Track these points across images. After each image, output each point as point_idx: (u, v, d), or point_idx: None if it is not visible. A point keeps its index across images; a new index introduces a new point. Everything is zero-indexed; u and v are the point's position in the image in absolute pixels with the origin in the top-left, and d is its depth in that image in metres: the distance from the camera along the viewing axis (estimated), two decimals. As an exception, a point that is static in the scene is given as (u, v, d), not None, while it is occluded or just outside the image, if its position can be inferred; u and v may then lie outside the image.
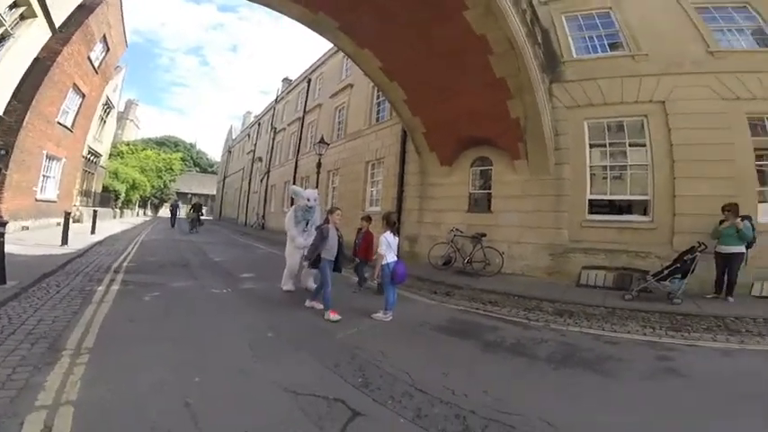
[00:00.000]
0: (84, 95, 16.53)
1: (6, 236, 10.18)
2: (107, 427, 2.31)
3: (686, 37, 8.43)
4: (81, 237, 12.12)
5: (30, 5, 9.46)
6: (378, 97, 15.32)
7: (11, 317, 4.16)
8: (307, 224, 6.70)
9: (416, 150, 11.45)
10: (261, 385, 2.97)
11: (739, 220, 6.52)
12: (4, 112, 10.48)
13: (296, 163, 22.51)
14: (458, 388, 3.05)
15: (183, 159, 51.86)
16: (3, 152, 11.34)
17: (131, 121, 59.79)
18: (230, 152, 46.56)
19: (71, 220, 13.45)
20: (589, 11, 9.72)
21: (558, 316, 5.85)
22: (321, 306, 5.23)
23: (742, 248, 6.56)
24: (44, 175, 14.76)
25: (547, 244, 8.97)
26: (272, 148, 28.06)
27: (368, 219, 7.54)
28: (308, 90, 23.03)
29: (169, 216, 26.23)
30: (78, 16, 13.59)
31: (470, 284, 7.82)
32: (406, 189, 12.45)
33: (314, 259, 5.31)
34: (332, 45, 17.87)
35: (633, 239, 8.13)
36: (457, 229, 10.22)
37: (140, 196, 34.66)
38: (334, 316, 4.97)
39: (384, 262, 5.24)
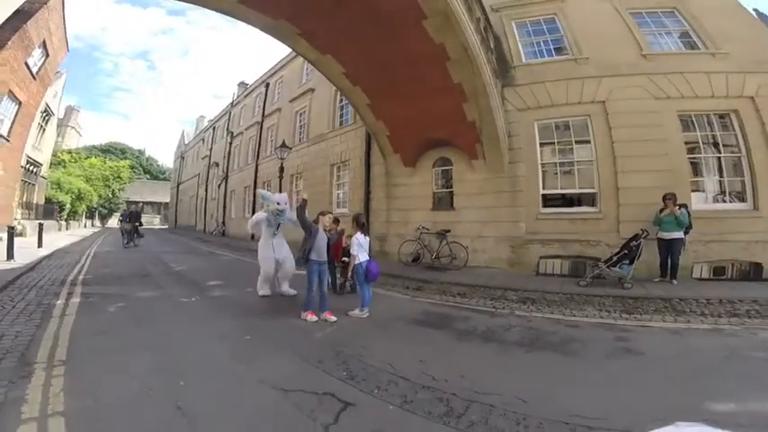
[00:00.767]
0: (20, 102, 15.56)
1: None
2: None
3: (622, 41, 9.21)
4: (27, 251, 11.30)
5: None
6: (341, 101, 15.39)
7: None
8: (278, 228, 6.71)
9: (381, 152, 11.67)
10: (248, 385, 3.02)
11: (677, 208, 7.23)
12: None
13: (256, 167, 22.05)
14: (437, 374, 3.25)
15: (131, 167, 49.15)
16: None
17: (72, 128, 55.86)
18: (183, 158, 44.63)
19: (15, 235, 12.49)
20: (536, 17, 10.37)
21: (521, 303, 6.24)
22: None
23: (681, 234, 7.26)
24: (-21, 189, 13.70)
25: (506, 237, 9.47)
26: (230, 152, 27.26)
27: (335, 221, 7.61)
28: (266, 94, 22.65)
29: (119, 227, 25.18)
30: (15, 21, 12.70)
31: (439, 279, 8.12)
32: (372, 190, 12.64)
33: (305, 258, 5.22)
34: (291, 50, 17.81)
35: (584, 229, 8.75)
36: (423, 227, 10.54)
37: (87, 207, 32.53)
38: (311, 317, 5.03)
39: (357, 262, 5.39)
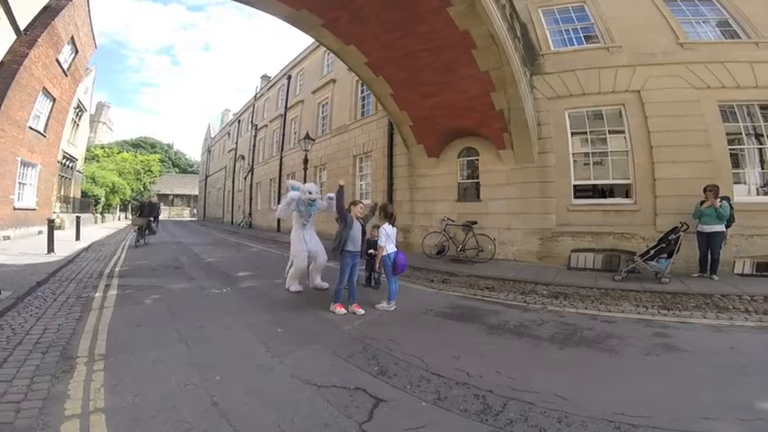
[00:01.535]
0: (54, 99, 16.03)
1: (-6, 246, 9.87)
2: None
3: (657, 29, 8.78)
4: (66, 244, 11.84)
5: None
6: (362, 92, 15.34)
7: (14, 327, 4.11)
8: (309, 218, 6.54)
9: (404, 143, 11.55)
10: (281, 380, 3.04)
11: (718, 200, 6.85)
12: (-28, 119, 10.09)
13: (281, 159, 22.30)
14: (471, 370, 3.19)
15: (161, 160, 50.67)
16: None
17: (104, 123, 58.03)
18: (210, 151, 45.67)
19: (55, 228, 13.09)
20: (564, 4, 10.01)
21: (553, 298, 6.06)
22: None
23: (722, 227, 6.90)
24: (20, 183, 14.31)
25: (536, 229, 9.24)
26: (255, 145, 27.70)
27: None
28: (288, 86, 22.78)
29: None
30: (44, 18, 13.13)
31: (465, 271, 8.02)
32: (395, 181, 12.57)
33: (339, 249, 5.11)
34: (312, 41, 17.79)
35: (618, 221, 8.45)
36: (448, 218, 10.41)
37: (120, 200, 33.80)
38: (339, 310, 5.03)
39: (384, 253, 5.34)
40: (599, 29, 9.40)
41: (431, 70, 8.43)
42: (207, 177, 45.93)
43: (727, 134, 8.04)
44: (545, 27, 9.98)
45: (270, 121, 25.43)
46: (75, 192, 23.40)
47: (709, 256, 7.02)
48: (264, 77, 29.98)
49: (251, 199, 27.25)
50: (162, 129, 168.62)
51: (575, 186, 9.13)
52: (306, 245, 6.33)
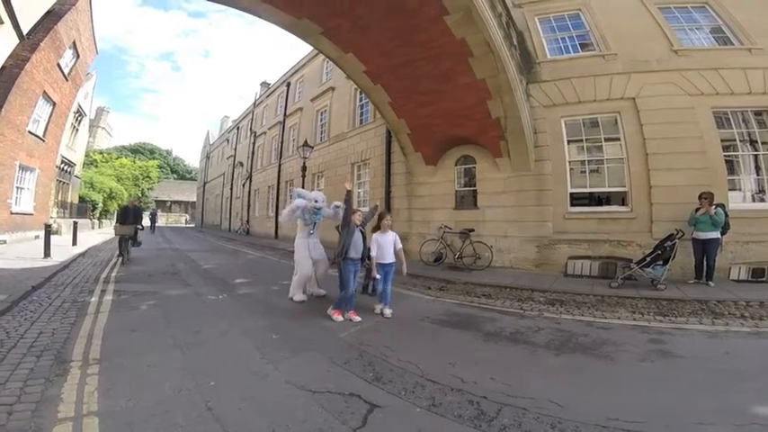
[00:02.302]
0: (54, 103, 16.06)
1: (-10, 250, 9.81)
2: None
3: (651, 36, 8.88)
4: (63, 249, 11.80)
5: None
6: (360, 100, 15.44)
7: (8, 331, 4.11)
8: (314, 226, 6.51)
9: (402, 151, 11.61)
10: (276, 385, 3.03)
11: (713, 207, 6.90)
12: (-28, 123, 10.10)
13: (279, 166, 22.32)
14: (466, 376, 3.19)
15: (159, 166, 50.64)
16: None
17: (103, 128, 58.02)
18: (209, 158, 45.70)
19: (52, 232, 13.04)
20: (560, 12, 10.10)
21: (550, 305, 6.07)
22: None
23: (717, 234, 6.94)
24: (18, 187, 14.29)
25: (532, 237, 9.27)
26: (253, 152, 27.74)
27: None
28: (287, 93, 22.90)
29: (149, 224, 27.56)
30: (47, 22, 13.19)
31: (463, 279, 8.02)
32: (393, 189, 12.61)
33: (342, 256, 5.12)
34: (311, 48, 17.90)
35: (614, 229, 8.48)
36: (446, 226, 10.43)
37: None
38: (337, 317, 5.01)
39: (380, 261, 5.34)
40: (594, 36, 9.50)
41: (428, 79, 8.52)
42: (205, 184, 45.93)
43: (722, 141, 8.11)
44: (541, 35, 10.08)
45: (269, 128, 25.51)
46: (72, 197, 23.34)
47: (705, 263, 7.05)
48: (264, 84, 30.16)
49: (249, 206, 27.24)
50: (161, 135, 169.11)
51: (571, 194, 9.17)
52: (309, 252, 6.30)
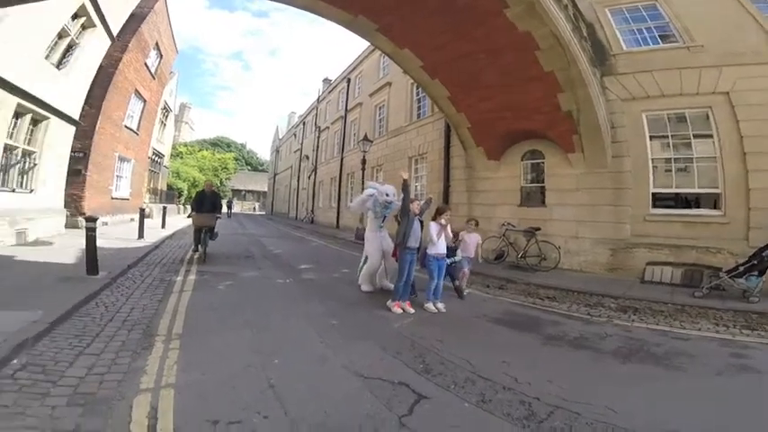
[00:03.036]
0: (145, 100, 17.77)
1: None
2: (205, 409, 2.45)
3: (743, 27, 7.88)
4: (153, 231, 13.13)
5: (88, 15, 10.12)
6: (417, 94, 15.41)
7: (107, 305, 4.57)
8: (384, 219, 6.50)
9: (462, 145, 11.40)
10: (332, 369, 3.19)
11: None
12: (80, 118, 11.52)
13: (341, 160, 23.08)
14: (520, 376, 3.11)
15: (235, 159, 54.60)
16: (81, 154, 12.52)
17: (186, 123, 63.61)
18: (278, 151, 48.40)
19: (146, 216, 14.63)
20: (634, 3, 9.25)
21: (621, 312, 5.67)
22: (413, 310, 5.09)
23: (826, 245, 5.99)
24: (117, 176, 16.10)
25: (607, 239, 8.67)
26: (318, 146, 28.91)
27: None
28: (347, 89, 23.55)
29: (226, 210, 30.53)
30: (131, 25, 14.45)
31: (525, 279, 7.76)
32: (452, 183, 12.45)
33: (402, 244, 5.21)
34: (367, 45, 18.21)
35: (703, 234, 7.67)
36: (509, 223, 10.09)
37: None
38: (396, 309, 5.07)
39: (432, 252, 5.34)
40: (675, 27, 8.62)
41: (490, 72, 8.28)
42: (275, 175, 48.75)
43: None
44: (614, 26, 9.31)
45: (331, 123, 26.43)
46: (161, 185, 25.94)
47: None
48: (326, 81, 31.13)
49: (314, 196, 28.52)
50: (236, 129, 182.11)
51: (653, 194, 8.42)
52: (380, 245, 6.32)
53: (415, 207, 5.38)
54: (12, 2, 6.41)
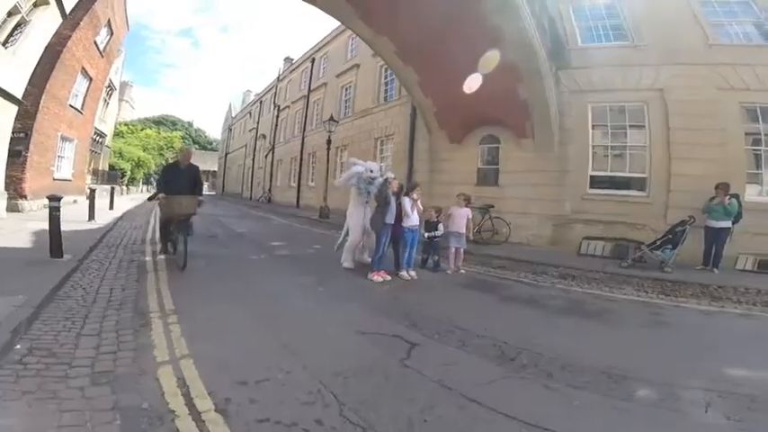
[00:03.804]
0: (91, 78, 16.60)
1: (35, 213, 10.67)
2: (230, 373, 2.59)
3: (687, 29, 8.80)
4: (102, 213, 12.47)
5: None
6: (386, 77, 15.72)
7: (84, 287, 4.44)
8: (368, 195, 6.59)
9: (427, 128, 11.99)
10: (332, 328, 3.65)
11: (727, 197, 7.16)
12: (22, 97, 10.74)
13: (302, 139, 22.93)
14: (489, 327, 3.78)
15: (182, 138, 51.72)
16: (22, 135, 11.65)
17: (126, 102, 58.87)
18: (231, 130, 46.57)
19: (86, 198, 13.85)
20: (595, 1, 10.06)
21: (562, 279, 6.59)
22: (389, 277, 5.61)
23: (728, 223, 7.22)
24: (59, 156, 14.99)
25: (550, 215, 9.70)
26: (277, 125, 28.35)
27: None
28: (311, 69, 23.23)
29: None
30: (86, 2, 13.56)
31: (481, 251, 8.58)
32: (416, 164, 13.08)
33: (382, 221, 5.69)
34: (336, 26, 18.16)
35: (630, 212, 8.83)
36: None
37: (144, 174, 34.97)
38: (376, 278, 5.58)
39: (406, 225, 5.94)
40: (628, 26, 9.51)
41: (459, 62, 8.80)
42: (227, 154, 46.97)
43: (747, 134, 8.23)
44: (574, 22, 10.08)
45: (292, 102, 26.01)
46: (103, 165, 24.41)
47: (714, 251, 7.34)
48: (287, 59, 30.35)
49: (271, 176, 28.10)
50: (182, 107, 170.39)
51: (592, 177, 9.48)
52: (362, 221, 6.49)
53: (393, 185, 5.91)
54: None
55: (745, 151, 8.23)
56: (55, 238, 5.62)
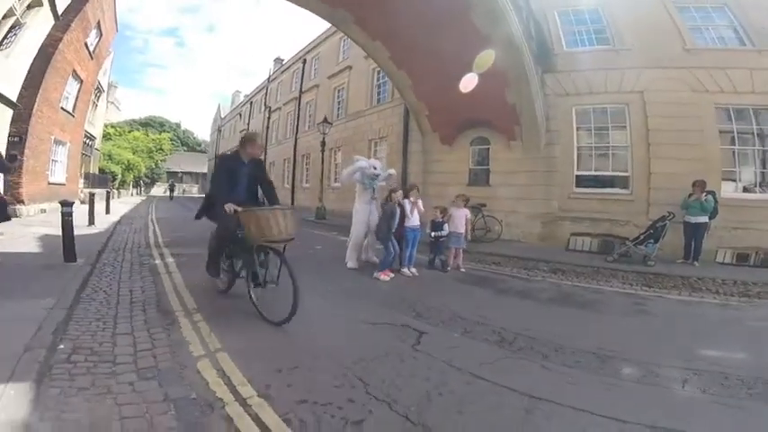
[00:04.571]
0: (82, 81, 16.56)
1: (33, 218, 10.72)
2: (263, 363, 2.83)
3: (666, 35, 9.36)
4: (100, 217, 12.49)
5: None
6: (378, 79, 16.05)
7: (104, 289, 4.59)
8: (373, 191, 6.78)
9: (420, 130, 12.41)
10: (346, 321, 3.98)
11: (704, 194, 7.68)
12: (17, 100, 10.77)
13: (295, 141, 23.14)
14: (488, 316, 4.19)
15: (170, 139, 51.32)
16: (17, 139, 11.67)
17: (112, 103, 58.03)
18: (220, 131, 46.37)
19: (79, 202, 13.90)
20: (580, 7, 10.58)
21: (552, 273, 7.04)
22: (393, 275, 5.92)
23: (705, 219, 7.74)
24: (53, 160, 14.97)
25: (539, 213, 10.19)
26: (268, 126, 28.43)
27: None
28: (303, 70, 23.42)
29: (163, 194, 30.61)
30: (77, 3, 13.57)
31: (474, 249, 8.91)
32: (409, 166, 13.47)
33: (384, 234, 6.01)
34: (327, 27, 18.39)
35: (615, 209, 9.38)
36: (459, 200, 11.32)
37: (134, 176, 34.74)
38: (383, 277, 5.88)
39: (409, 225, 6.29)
40: (611, 31, 10.04)
41: (451, 67, 9.21)
42: (217, 156, 46.63)
43: (721, 133, 8.80)
44: (559, 27, 10.60)
45: (284, 104, 26.17)
46: (94, 168, 24.22)
47: (693, 245, 7.84)
48: (278, 60, 30.46)
49: (264, 178, 28.07)
50: (169, 108, 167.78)
51: (577, 176, 10.03)
52: (367, 218, 6.62)
53: (395, 196, 6.19)
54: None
55: (721, 150, 8.78)
56: (68, 242, 5.81)
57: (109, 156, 28.67)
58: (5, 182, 10.76)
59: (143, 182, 43.16)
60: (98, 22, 16.63)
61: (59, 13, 11.64)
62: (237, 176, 4.19)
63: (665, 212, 7.87)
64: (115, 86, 60.78)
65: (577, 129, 10.04)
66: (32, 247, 6.95)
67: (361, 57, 14.95)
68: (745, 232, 8.31)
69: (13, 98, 10.39)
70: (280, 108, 26.85)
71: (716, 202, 7.76)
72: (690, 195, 7.87)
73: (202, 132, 72.40)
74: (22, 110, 11.48)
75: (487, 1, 7.22)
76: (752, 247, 8.17)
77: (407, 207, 6.30)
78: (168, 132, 55.53)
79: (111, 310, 3.85)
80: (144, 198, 35.00)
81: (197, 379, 2.58)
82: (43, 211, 13.51)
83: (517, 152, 10.64)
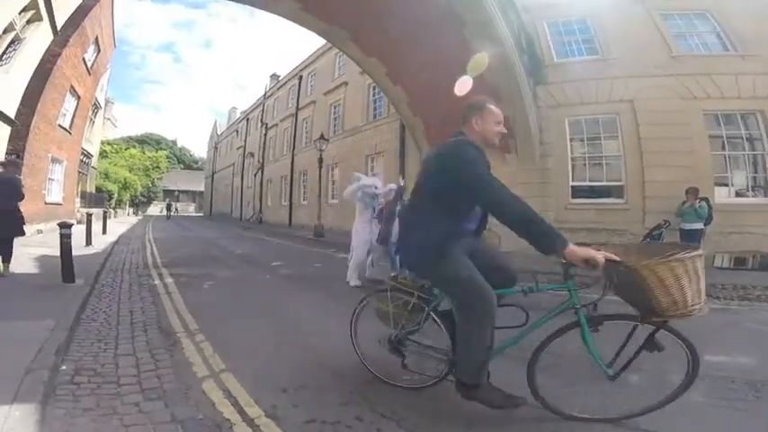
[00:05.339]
0: (79, 97, 16.56)
1: (30, 239, 10.62)
2: (268, 382, 2.80)
3: (652, 43, 9.62)
4: (97, 238, 12.41)
5: (37, 8, 9.56)
6: (374, 95, 16.25)
7: (104, 310, 4.55)
8: (374, 210, 6.68)
9: (416, 145, 12.51)
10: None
11: (697, 201, 7.79)
12: (15, 117, 10.71)
13: (292, 158, 23.20)
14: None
15: (167, 157, 51.40)
16: (14, 156, 11.63)
17: (108, 119, 58.19)
18: (217, 148, 46.49)
19: (75, 222, 13.80)
20: (568, 18, 10.84)
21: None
22: None
23: (700, 225, 7.84)
24: (50, 178, 14.89)
25: (536, 225, 10.19)
26: (265, 143, 28.58)
27: None
28: (299, 87, 23.62)
29: (160, 213, 30.58)
30: (76, 18, 13.59)
31: (474, 263, 8.95)
32: (407, 182, 13.49)
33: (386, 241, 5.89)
34: (323, 43, 18.65)
35: (611, 219, 9.46)
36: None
37: (131, 195, 34.67)
38: None
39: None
40: (599, 41, 10.28)
41: (446, 82, 9.34)
42: (213, 174, 46.75)
43: (711, 139, 8.96)
44: (549, 39, 10.83)
45: (280, 120, 26.36)
46: (90, 187, 24.07)
47: (690, 251, 7.93)
48: (274, 76, 30.77)
49: (261, 195, 28.19)
50: (165, 125, 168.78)
51: (573, 187, 10.11)
52: (369, 238, 6.52)
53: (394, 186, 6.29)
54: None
55: (712, 156, 8.93)
56: (67, 263, 5.79)
57: (105, 174, 28.62)
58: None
59: (139, 201, 43.09)
60: (96, 38, 16.70)
61: (58, 28, 11.74)
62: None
63: (660, 221, 7.97)
64: (112, 102, 61.09)
65: (571, 140, 10.19)
66: (29, 267, 6.96)
67: (357, 72, 15.16)
68: (740, 236, 8.40)
69: (11, 115, 10.35)
70: (276, 124, 27.03)
71: (710, 208, 7.87)
72: (684, 203, 7.97)
73: (199, 149, 72.38)
74: (20, 127, 11.42)
75: (479, 16, 7.38)
76: (749, 251, 8.27)
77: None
78: (164, 149, 55.58)
79: (112, 331, 3.83)
80: (140, 218, 34.93)
81: (203, 399, 2.56)
82: (39, 231, 13.37)
83: (512, 165, 10.73)
